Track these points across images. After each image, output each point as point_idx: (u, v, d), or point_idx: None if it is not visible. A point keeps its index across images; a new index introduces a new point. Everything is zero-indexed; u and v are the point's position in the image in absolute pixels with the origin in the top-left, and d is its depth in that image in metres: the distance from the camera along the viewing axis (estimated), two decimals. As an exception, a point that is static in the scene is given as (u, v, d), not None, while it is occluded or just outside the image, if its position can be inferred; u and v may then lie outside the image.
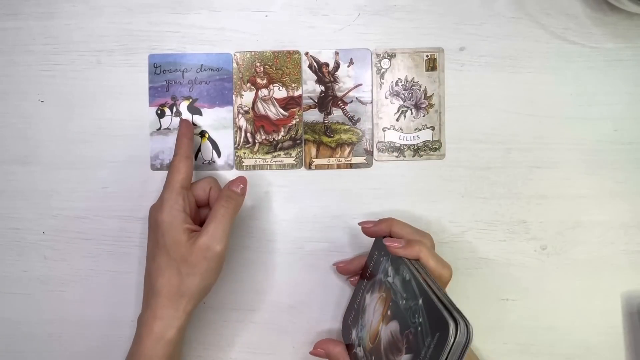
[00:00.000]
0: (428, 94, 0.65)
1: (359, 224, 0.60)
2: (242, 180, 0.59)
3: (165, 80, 0.65)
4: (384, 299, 0.53)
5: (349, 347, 0.59)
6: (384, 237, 0.56)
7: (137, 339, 0.55)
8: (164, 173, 0.64)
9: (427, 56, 0.65)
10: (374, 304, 0.55)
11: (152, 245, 0.57)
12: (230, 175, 0.65)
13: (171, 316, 0.55)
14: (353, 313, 0.60)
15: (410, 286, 0.49)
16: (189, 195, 0.58)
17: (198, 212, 0.61)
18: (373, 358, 0.52)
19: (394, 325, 0.50)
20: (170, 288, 0.55)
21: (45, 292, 0.65)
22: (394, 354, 0.49)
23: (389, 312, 0.52)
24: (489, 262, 0.65)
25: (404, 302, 0.49)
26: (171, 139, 0.64)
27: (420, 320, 0.46)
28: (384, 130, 0.65)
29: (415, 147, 0.65)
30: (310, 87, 0.65)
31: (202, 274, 0.55)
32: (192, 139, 0.62)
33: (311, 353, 0.61)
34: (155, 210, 0.57)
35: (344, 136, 0.65)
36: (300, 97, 0.65)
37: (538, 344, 0.65)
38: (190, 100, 0.65)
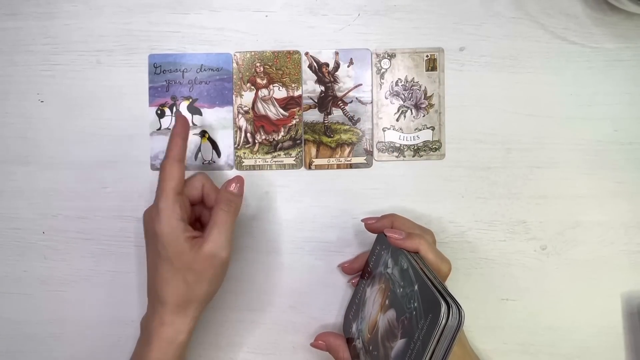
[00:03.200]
0: (428, 94, 0.65)
1: (362, 220, 0.61)
2: (237, 179, 0.59)
3: (165, 80, 0.65)
4: (383, 289, 0.54)
5: (349, 340, 0.59)
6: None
7: (145, 342, 0.55)
8: None
9: (427, 56, 0.65)
10: (373, 296, 0.56)
11: (153, 255, 0.56)
12: (230, 175, 0.65)
13: (180, 322, 0.55)
14: (354, 308, 0.61)
15: (407, 274, 0.50)
16: (184, 200, 0.57)
17: (192, 210, 0.60)
18: (370, 347, 0.53)
19: (391, 314, 0.51)
20: (177, 297, 0.55)
21: (45, 292, 0.66)
22: (390, 340, 0.50)
23: (387, 302, 0.53)
24: (489, 262, 0.66)
25: (401, 290, 0.50)
26: (171, 139, 0.65)
27: (415, 304, 0.47)
28: (384, 131, 0.65)
29: (415, 147, 0.65)
30: (310, 87, 0.65)
31: (209, 281, 0.55)
32: (187, 139, 0.59)
33: (312, 345, 0.61)
34: (152, 221, 0.55)
35: (344, 136, 0.65)
36: (300, 97, 0.65)
37: (538, 344, 0.65)
38: (190, 100, 0.65)
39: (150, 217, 0.56)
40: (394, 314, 0.50)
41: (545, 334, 0.65)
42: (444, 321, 0.43)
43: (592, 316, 0.65)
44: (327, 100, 0.65)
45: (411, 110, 0.66)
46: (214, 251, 0.55)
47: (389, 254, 0.55)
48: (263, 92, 0.65)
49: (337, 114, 0.65)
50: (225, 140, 0.65)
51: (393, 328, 0.49)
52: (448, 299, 0.44)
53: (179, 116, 0.62)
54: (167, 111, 0.65)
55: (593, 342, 0.65)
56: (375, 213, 0.63)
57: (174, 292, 0.55)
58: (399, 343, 0.48)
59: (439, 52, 0.65)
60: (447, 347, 0.44)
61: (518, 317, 0.65)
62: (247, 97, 0.65)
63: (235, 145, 0.65)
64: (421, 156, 0.66)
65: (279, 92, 0.65)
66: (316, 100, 0.65)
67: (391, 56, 0.65)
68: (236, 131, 0.65)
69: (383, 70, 0.65)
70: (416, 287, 0.48)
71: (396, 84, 0.65)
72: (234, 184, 0.58)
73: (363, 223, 0.61)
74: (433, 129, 0.66)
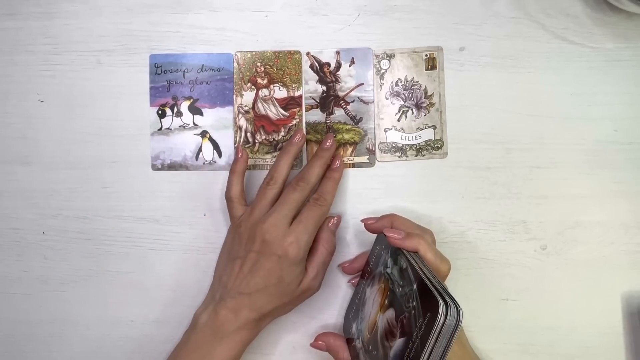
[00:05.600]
0: (428, 93, 0.66)
1: (362, 220, 0.61)
2: (338, 218, 0.64)
3: (166, 81, 0.65)
4: (383, 289, 0.55)
5: (349, 340, 0.59)
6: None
7: (216, 339, 0.57)
8: (165, 173, 0.65)
9: (426, 55, 0.66)
10: (373, 296, 0.57)
11: (268, 272, 0.58)
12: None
13: (258, 329, 0.60)
14: (354, 308, 0.61)
15: (406, 273, 0.51)
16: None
17: None
18: (370, 347, 0.54)
19: (390, 313, 0.52)
20: (269, 309, 0.59)
21: (45, 292, 0.66)
22: (389, 340, 0.50)
23: (386, 302, 0.54)
24: (489, 262, 0.66)
25: (400, 289, 0.51)
26: (172, 139, 0.65)
27: (414, 304, 0.48)
28: (385, 131, 0.66)
29: (418, 147, 0.66)
30: (312, 87, 0.65)
31: (295, 305, 0.62)
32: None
33: (311, 345, 0.61)
34: (282, 240, 0.58)
35: (346, 136, 0.66)
36: (300, 97, 0.65)
37: (538, 344, 0.66)
38: (191, 100, 0.65)
39: (280, 233, 0.58)
40: (393, 314, 0.51)
41: (545, 334, 0.66)
42: (442, 320, 0.43)
43: (592, 316, 0.66)
44: (329, 100, 0.66)
45: (412, 110, 0.66)
46: (312, 287, 0.61)
47: (389, 253, 0.55)
48: (263, 92, 0.65)
49: (339, 113, 0.66)
50: (226, 140, 0.66)
51: (392, 327, 0.50)
52: (446, 297, 0.44)
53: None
54: (168, 111, 0.65)
55: (593, 342, 0.66)
56: (376, 213, 0.63)
57: (269, 306, 0.58)
58: (398, 342, 0.48)
59: (437, 51, 0.65)
60: (445, 346, 0.44)
61: (518, 317, 0.66)
62: (248, 96, 0.65)
63: (236, 145, 0.65)
64: (424, 155, 0.66)
65: (280, 92, 0.65)
66: (318, 100, 0.66)
67: (390, 56, 0.65)
68: (236, 131, 0.65)
69: (383, 70, 0.65)
70: (415, 287, 0.48)
71: (396, 84, 0.66)
72: (333, 220, 0.64)
73: (363, 223, 0.61)
74: (435, 127, 0.66)
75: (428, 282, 0.47)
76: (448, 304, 0.44)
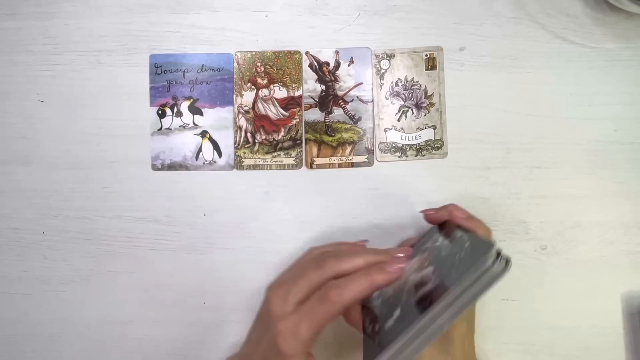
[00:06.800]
0: (428, 93, 0.66)
1: (421, 212, 0.61)
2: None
3: (166, 81, 0.65)
4: (423, 259, 0.52)
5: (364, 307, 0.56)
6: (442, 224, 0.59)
7: None
8: (165, 173, 0.66)
9: (426, 55, 0.65)
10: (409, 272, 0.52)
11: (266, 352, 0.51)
12: (231, 175, 0.65)
13: None
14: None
15: (460, 239, 0.50)
16: None
17: None
18: (391, 300, 0.50)
19: (428, 270, 0.48)
20: None
21: (45, 292, 0.66)
22: (419, 289, 0.47)
23: (425, 264, 0.51)
24: (489, 262, 0.66)
25: (447, 251, 0.50)
26: (172, 139, 0.66)
27: (462, 255, 0.46)
28: (385, 131, 0.66)
29: (418, 147, 0.66)
30: (310, 86, 0.65)
31: None
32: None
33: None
34: (285, 339, 0.48)
35: (345, 135, 0.66)
36: (300, 97, 0.65)
37: (538, 344, 0.66)
38: (191, 100, 0.65)
39: (287, 331, 0.48)
40: (432, 269, 0.48)
41: (545, 334, 0.66)
42: (490, 262, 0.42)
43: (592, 316, 0.66)
44: (328, 99, 0.66)
45: (412, 110, 0.66)
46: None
47: (442, 234, 0.56)
48: (263, 92, 0.65)
49: (338, 112, 0.66)
50: (226, 140, 0.66)
51: (426, 279, 0.47)
52: (500, 250, 0.43)
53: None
54: (168, 111, 0.66)
55: (593, 342, 0.66)
56: (376, 213, 0.63)
57: None
58: (428, 286, 0.46)
59: (437, 51, 0.65)
60: (480, 291, 0.42)
61: (518, 317, 0.66)
62: (248, 96, 0.65)
63: (236, 145, 0.65)
64: (424, 155, 0.66)
65: (280, 92, 0.66)
66: (317, 100, 0.66)
67: (390, 56, 0.65)
68: (236, 131, 0.65)
69: (383, 70, 0.65)
70: (467, 244, 0.48)
71: (396, 84, 0.66)
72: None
73: (422, 214, 0.61)
74: (435, 127, 0.66)
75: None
76: (500, 252, 0.43)
